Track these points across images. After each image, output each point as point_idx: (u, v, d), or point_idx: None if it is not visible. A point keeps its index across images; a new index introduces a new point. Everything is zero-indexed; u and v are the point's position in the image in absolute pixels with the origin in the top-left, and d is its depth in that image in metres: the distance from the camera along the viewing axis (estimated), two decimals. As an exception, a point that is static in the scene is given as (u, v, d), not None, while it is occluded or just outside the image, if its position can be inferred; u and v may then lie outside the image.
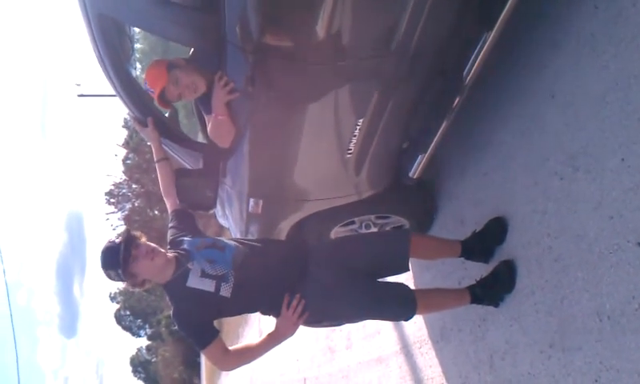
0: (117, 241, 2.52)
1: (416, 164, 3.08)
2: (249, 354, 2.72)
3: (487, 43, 2.47)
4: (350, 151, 2.87)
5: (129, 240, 2.54)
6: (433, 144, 2.94)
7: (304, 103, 2.62)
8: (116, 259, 2.48)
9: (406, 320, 2.84)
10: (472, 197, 3.33)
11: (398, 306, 2.75)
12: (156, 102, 2.85)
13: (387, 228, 3.66)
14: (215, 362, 2.68)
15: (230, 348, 2.68)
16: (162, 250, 2.64)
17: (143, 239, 2.64)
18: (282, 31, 2.30)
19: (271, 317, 2.78)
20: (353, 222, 3.61)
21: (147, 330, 53.22)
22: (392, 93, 2.63)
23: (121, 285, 2.81)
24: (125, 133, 24.15)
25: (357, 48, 2.35)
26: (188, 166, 3.32)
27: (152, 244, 2.60)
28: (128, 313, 53.39)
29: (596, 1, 2.41)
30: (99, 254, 2.54)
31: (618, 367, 2.11)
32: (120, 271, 2.49)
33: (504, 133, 3.02)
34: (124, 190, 23.54)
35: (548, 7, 2.74)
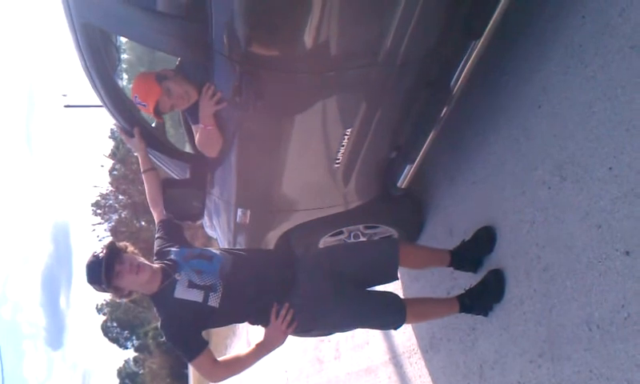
0: (100, 255, 2.49)
1: (404, 174, 3.08)
2: (238, 364, 2.70)
3: (474, 53, 2.48)
4: (337, 161, 2.86)
5: (112, 255, 2.50)
6: (421, 154, 2.95)
7: (291, 113, 2.61)
8: (98, 276, 2.46)
9: (396, 329, 2.83)
10: (460, 206, 3.33)
11: (387, 314, 2.74)
12: (151, 116, 2.84)
13: (376, 238, 3.66)
14: (204, 373, 2.65)
15: (218, 359, 2.66)
16: (148, 263, 2.62)
17: (130, 249, 2.63)
18: (269, 41, 2.29)
19: (260, 327, 2.76)
20: (341, 232, 3.60)
21: (134, 341, 52.95)
22: (380, 103, 2.63)
23: (108, 296, 2.80)
24: (111, 143, 24.03)
25: (344, 58, 2.35)
26: (175, 177, 3.30)
27: (137, 258, 2.58)
28: (115, 324, 53.07)
29: (584, 12, 2.43)
30: (84, 268, 2.51)
31: (607, 375, 2.11)
32: (104, 286, 2.49)
33: (492, 143, 3.03)
34: (110, 201, 23.36)
35: (536, 18, 2.75)
